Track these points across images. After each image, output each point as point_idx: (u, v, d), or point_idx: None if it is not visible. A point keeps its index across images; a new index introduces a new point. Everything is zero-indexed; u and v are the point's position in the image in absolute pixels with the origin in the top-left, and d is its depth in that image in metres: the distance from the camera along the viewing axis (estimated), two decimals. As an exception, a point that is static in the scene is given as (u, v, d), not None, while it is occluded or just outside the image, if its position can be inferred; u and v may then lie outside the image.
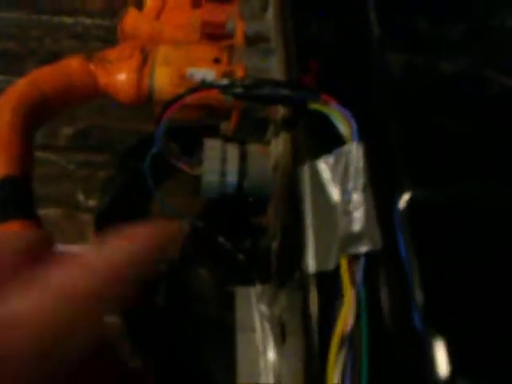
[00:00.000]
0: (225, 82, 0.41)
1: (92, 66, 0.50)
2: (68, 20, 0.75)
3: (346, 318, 0.31)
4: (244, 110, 0.47)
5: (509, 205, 0.34)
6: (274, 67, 0.47)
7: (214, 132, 0.50)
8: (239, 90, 0.40)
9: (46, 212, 0.50)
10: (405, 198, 0.34)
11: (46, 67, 0.49)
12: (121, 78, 0.49)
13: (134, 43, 0.53)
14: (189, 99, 0.42)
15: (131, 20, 0.61)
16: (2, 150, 0.42)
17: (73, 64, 0.50)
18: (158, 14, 0.62)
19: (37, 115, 0.46)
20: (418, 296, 0.31)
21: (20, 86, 0.47)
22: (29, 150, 0.44)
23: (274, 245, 0.43)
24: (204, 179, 0.45)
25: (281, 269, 0.42)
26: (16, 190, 0.42)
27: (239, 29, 0.52)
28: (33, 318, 0.21)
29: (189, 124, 0.51)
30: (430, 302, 0.31)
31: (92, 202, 0.60)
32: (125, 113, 0.64)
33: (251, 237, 0.38)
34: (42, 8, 0.76)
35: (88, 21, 0.76)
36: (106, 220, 0.59)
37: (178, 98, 0.42)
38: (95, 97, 0.51)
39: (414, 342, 0.31)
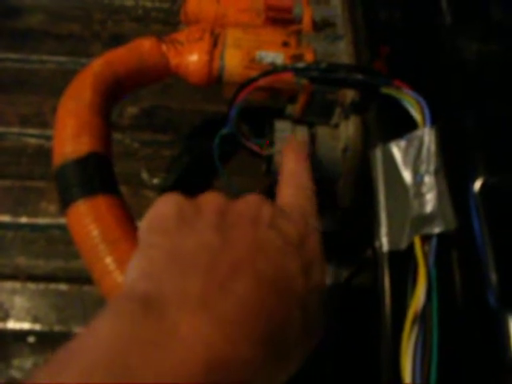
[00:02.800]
0: (301, 65, 0.42)
1: (164, 47, 0.51)
2: (129, 2, 0.77)
3: (418, 298, 0.32)
4: (312, 93, 0.48)
5: None
6: (343, 52, 0.48)
7: (279, 114, 0.51)
8: (314, 74, 0.42)
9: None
10: (479, 182, 0.35)
11: (120, 48, 0.50)
12: (193, 59, 0.50)
13: (203, 26, 0.54)
14: (263, 81, 0.43)
15: (194, 3, 0.62)
16: (86, 129, 0.43)
17: (145, 45, 0.51)
18: (220, -2, 0.63)
19: (113, 94, 0.48)
20: (493, 276, 0.32)
21: (96, 67, 0.48)
22: (108, 129, 0.46)
23: (343, 224, 0.44)
24: (275, 159, 0.46)
25: (349, 247, 0.43)
26: (101, 166, 0.43)
27: (306, 14, 0.53)
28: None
29: (254, 106, 0.52)
30: (505, 281, 0.32)
31: (156, 181, 0.62)
32: (188, 93, 0.66)
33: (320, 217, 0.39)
34: (104, -9, 0.78)
35: (148, 3, 0.77)
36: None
37: (253, 79, 0.43)
38: (166, 76, 0.53)
39: (487, 320, 0.32)
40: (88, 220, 0.40)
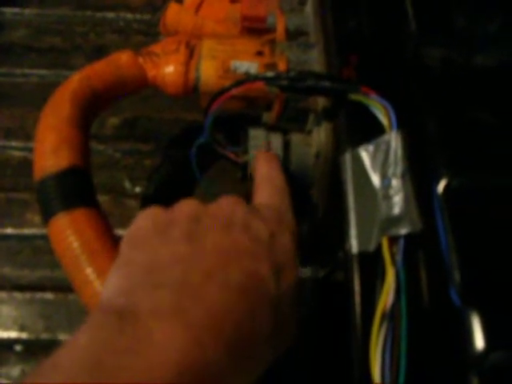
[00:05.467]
0: (270, 74, 0.43)
1: (141, 60, 0.53)
2: (110, 15, 0.78)
3: (386, 296, 0.33)
4: (285, 101, 0.49)
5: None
6: (315, 60, 0.49)
7: (255, 122, 0.52)
8: (284, 82, 0.43)
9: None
10: (443, 184, 0.36)
11: (97, 62, 0.52)
12: (169, 70, 0.52)
13: (179, 38, 0.55)
14: (235, 91, 0.44)
15: (173, 15, 0.64)
16: (65, 143, 0.45)
17: (122, 58, 0.52)
18: (198, 8, 0.65)
19: (92, 108, 0.49)
20: (456, 274, 0.34)
21: (74, 82, 0.49)
22: (87, 142, 0.47)
23: (317, 228, 0.45)
24: (250, 167, 0.47)
25: (323, 251, 0.44)
26: (81, 180, 0.45)
27: (280, 23, 0.54)
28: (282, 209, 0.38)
29: (231, 114, 0.54)
30: (467, 280, 0.34)
31: (138, 189, 0.63)
32: (168, 103, 0.68)
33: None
34: (85, 4, 0.79)
35: (129, 15, 0.79)
36: (151, 205, 0.61)
37: (226, 89, 0.44)
38: (143, 88, 0.54)
39: (451, 317, 0.33)
40: (68, 232, 0.41)
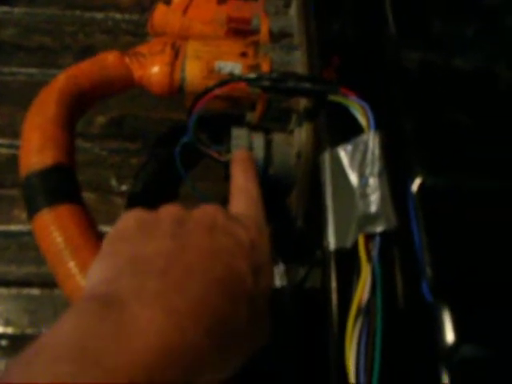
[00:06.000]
0: (252, 75, 0.44)
1: (127, 60, 0.53)
2: (99, 15, 0.79)
3: (362, 292, 0.34)
4: (268, 101, 0.50)
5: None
6: (298, 62, 0.50)
7: (239, 121, 0.53)
8: (266, 83, 0.44)
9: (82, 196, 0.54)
10: (417, 183, 0.38)
11: (84, 62, 0.53)
12: (155, 70, 0.53)
13: (165, 39, 0.56)
14: (218, 91, 0.45)
15: (160, 16, 0.64)
16: (51, 141, 0.45)
17: (109, 58, 0.53)
18: (186, 9, 0.65)
19: (77, 107, 0.50)
20: (428, 270, 0.35)
21: (60, 82, 0.50)
22: (72, 140, 0.48)
23: (297, 227, 0.46)
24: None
25: (303, 249, 0.45)
26: (65, 177, 0.46)
27: (264, 25, 0.55)
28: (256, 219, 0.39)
29: (216, 114, 0.55)
30: (438, 275, 0.35)
31: (124, 187, 0.64)
32: (155, 102, 0.68)
33: (275, 220, 0.41)
34: (74, 4, 0.80)
35: (118, 15, 0.79)
36: (138, 203, 0.62)
37: (209, 90, 0.45)
38: (129, 88, 0.55)
39: (423, 312, 0.34)
40: (52, 228, 0.42)
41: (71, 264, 0.40)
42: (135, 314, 0.27)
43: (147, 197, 0.63)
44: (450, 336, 0.33)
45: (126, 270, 0.30)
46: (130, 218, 0.35)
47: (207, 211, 0.36)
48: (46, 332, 0.26)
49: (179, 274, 0.30)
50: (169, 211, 0.36)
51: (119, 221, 0.36)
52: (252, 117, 0.53)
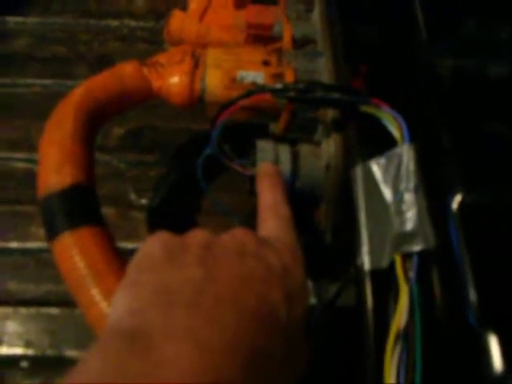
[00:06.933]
0: (279, 86, 0.42)
1: (145, 70, 0.52)
2: (114, 23, 0.78)
3: (400, 314, 0.32)
4: (294, 112, 0.48)
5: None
6: (322, 69, 0.48)
7: (263, 132, 0.52)
8: (293, 94, 0.42)
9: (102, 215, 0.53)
10: (457, 200, 0.35)
11: (101, 74, 0.51)
12: (174, 81, 0.51)
13: (185, 47, 0.55)
14: (243, 102, 0.43)
15: (177, 22, 0.63)
16: (69, 159, 0.44)
17: (127, 69, 0.51)
18: (202, 15, 0.64)
19: (96, 121, 0.48)
20: (472, 294, 0.33)
21: (77, 96, 0.48)
22: (92, 156, 0.46)
23: (326, 241, 0.45)
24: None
25: (331, 264, 0.44)
26: (85, 197, 0.44)
27: (286, 31, 0.53)
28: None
29: (237, 124, 0.53)
30: (484, 299, 0.33)
31: (144, 201, 0.62)
32: (173, 113, 0.67)
33: (303, 235, 0.39)
34: (88, 12, 0.78)
35: (133, 23, 0.78)
36: (158, 217, 0.61)
37: (234, 101, 0.43)
38: (148, 99, 0.53)
39: (467, 338, 0.32)
40: (73, 252, 0.41)
41: (94, 291, 0.38)
42: (164, 351, 0.25)
43: (167, 211, 0.62)
44: (498, 365, 0.31)
45: (152, 300, 0.29)
46: (156, 244, 0.33)
47: (236, 236, 0.34)
48: (73, 371, 0.24)
49: (209, 305, 0.28)
50: (196, 236, 0.34)
51: (144, 245, 0.34)
52: (276, 127, 0.51)
